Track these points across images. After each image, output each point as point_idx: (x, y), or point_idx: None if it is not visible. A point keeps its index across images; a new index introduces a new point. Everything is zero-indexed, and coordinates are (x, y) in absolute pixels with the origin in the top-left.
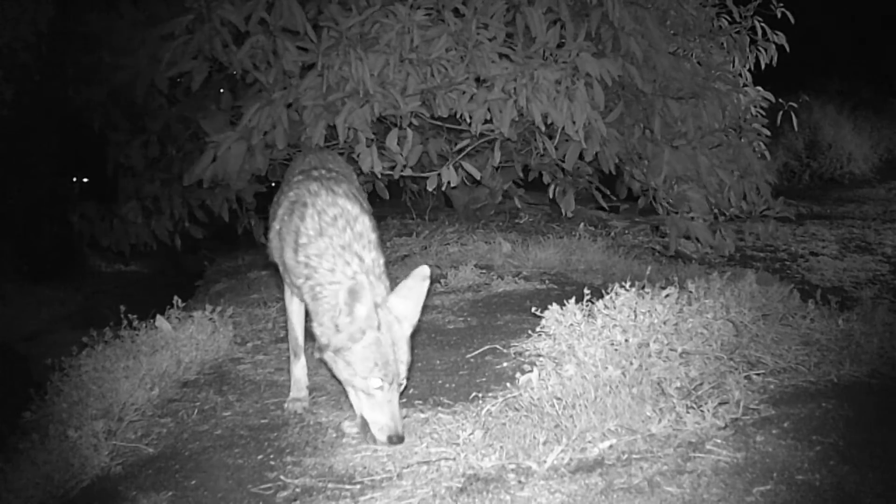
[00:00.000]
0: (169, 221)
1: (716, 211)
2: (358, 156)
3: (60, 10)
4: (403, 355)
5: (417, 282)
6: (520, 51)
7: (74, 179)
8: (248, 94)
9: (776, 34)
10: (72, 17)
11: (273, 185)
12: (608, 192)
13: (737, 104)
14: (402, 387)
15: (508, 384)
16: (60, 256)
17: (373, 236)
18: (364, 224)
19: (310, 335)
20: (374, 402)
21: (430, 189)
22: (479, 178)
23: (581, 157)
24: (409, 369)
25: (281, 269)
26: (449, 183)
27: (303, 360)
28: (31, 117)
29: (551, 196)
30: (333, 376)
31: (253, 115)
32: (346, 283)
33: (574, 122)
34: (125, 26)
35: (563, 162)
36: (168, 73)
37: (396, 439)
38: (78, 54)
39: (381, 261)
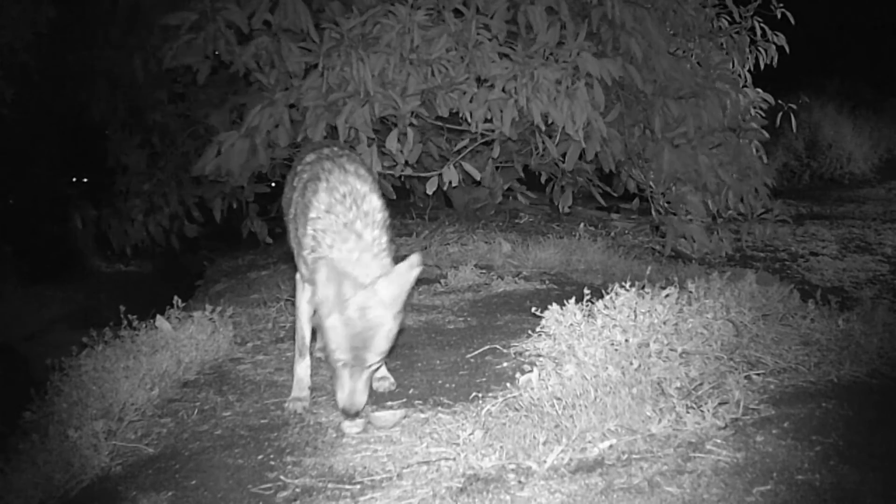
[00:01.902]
0: (166, 220)
1: (714, 212)
2: (359, 155)
3: (61, 9)
4: (376, 343)
5: (405, 269)
6: (520, 50)
7: (74, 179)
8: (249, 91)
9: (776, 35)
10: (73, 14)
11: (274, 185)
12: (608, 189)
13: (736, 103)
14: (374, 368)
15: (508, 384)
16: (60, 256)
17: (378, 216)
18: (371, 203)
19: (315, 336)
20: (337, 375)
21: (429, 192)
22: (478, 178)
23: (581, 156)
24: (390, 352)
25: (295, 253)
26: (450, 183)
27: (307, 359)
28: (31, 117)
29: (549, 195)
30: None
31: (255, 115)
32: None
33: (574, 122)
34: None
35: (564, 161)
36: (171, 65)
37: (348, 415)
38: (80, 48)
39: (384, 239)
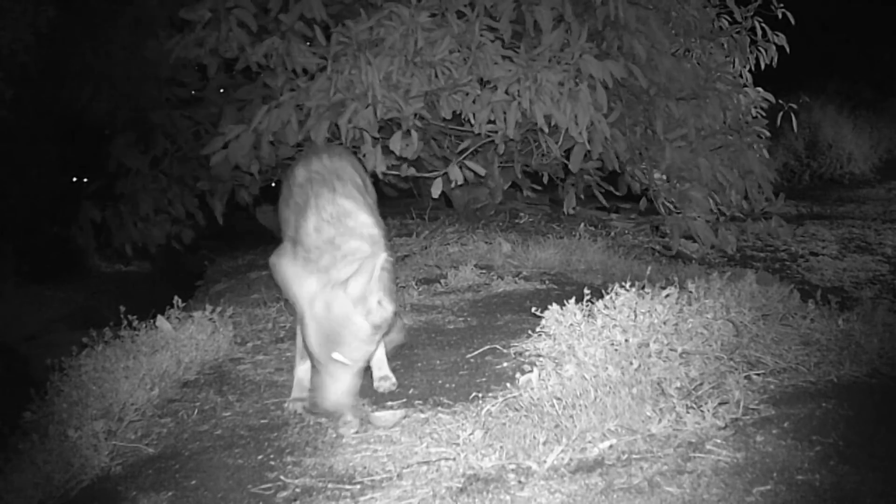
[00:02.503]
0: (167, 224)
1: (717, 210)
2: (363, 155)
3: (61, 9)
4: (344, 340)
5: (369, 264)
6: (523, 53)
7: (75, 179)
8: (254, 88)
9: (777, 35)
10: (73, 12)
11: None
12: (612, 189)
13: (737, 105)
14: (354, 369)
15: (508, 384)
16: (60, 256)
17: (365, 231)
18: (357, 220)
19: None
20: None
21: (435, 195)
22: (483, 174)
23: (585, 156)
24: (368, 351)
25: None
26: (454, 182)
27: (308, 362)
28: (31, 118)
29: (561, 194)
30: None
31: (262, 116)
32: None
33: (577, 124)
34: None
35: (568, 161)
36: (182, 55)
37: (316, 409)
38: (81, 48)
39: (365, 246)
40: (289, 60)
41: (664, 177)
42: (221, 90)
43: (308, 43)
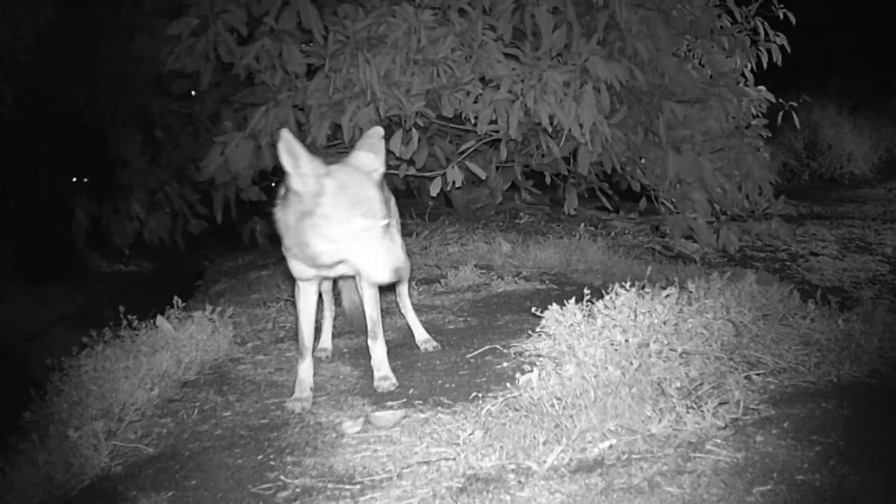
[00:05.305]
0: (167, 218)
1: (718, 211)
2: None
3: (62, 9)
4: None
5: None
6: (529, 52)
7: (74, 179)
8: (254, 91)
9: (778, 35)
10: (74, 9)
11: (274, 184)
12: (610, 192)
13: (739, 109)
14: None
15: (508, 384)
16: (60, 256)
17: None
18: None
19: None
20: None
21: (433, 194)
22: (484, 177)
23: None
24: None
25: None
26: (453, 183)
27: (309, 360)
28: (31, 117)
29: (562, 196)
30: None
31: (260, 117)
32: None
33: (581, 125)
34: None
35: (570, 163)
36: (173, 67)
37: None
38: (83, 48)
39: None
40: (278, 61)
41: (667, 182)
42: (218, 84)
43: (304, 42)
